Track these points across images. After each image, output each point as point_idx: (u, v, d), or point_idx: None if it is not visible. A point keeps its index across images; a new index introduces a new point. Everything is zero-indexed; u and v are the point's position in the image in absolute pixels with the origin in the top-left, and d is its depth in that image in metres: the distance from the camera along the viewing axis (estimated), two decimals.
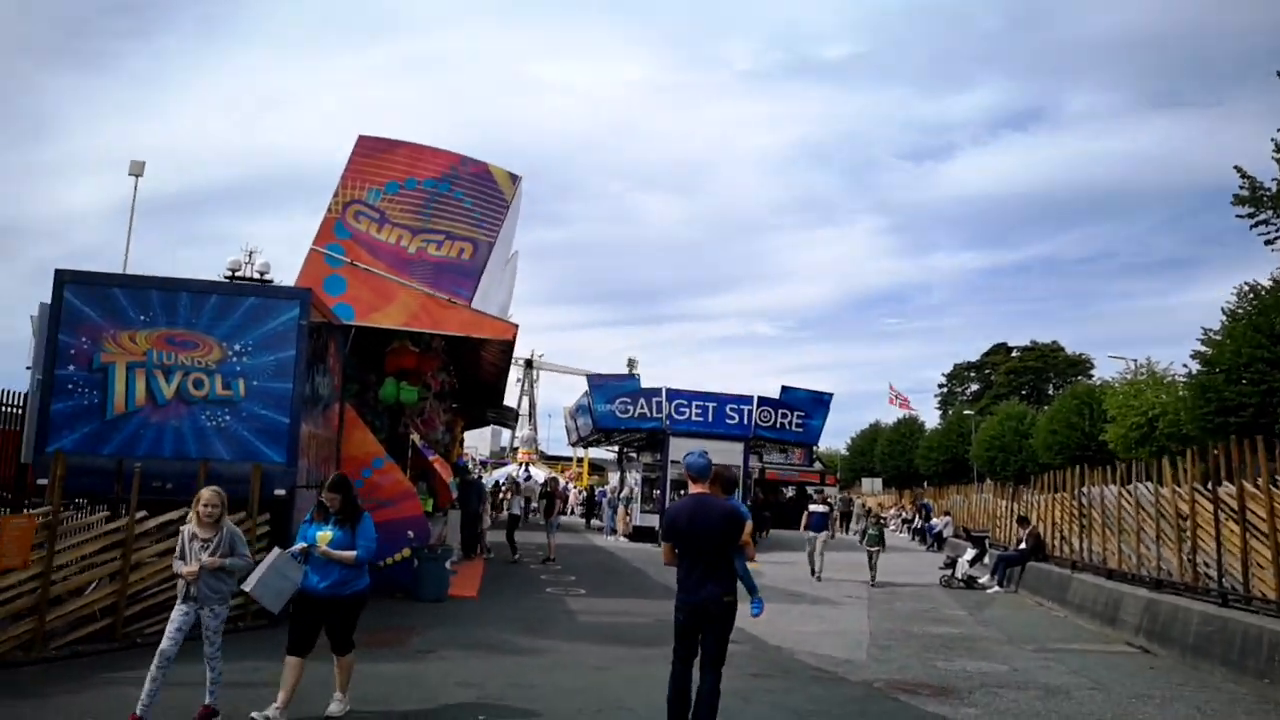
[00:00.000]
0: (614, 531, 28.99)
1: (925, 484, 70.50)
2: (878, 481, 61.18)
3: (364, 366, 15.46)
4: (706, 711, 5.68)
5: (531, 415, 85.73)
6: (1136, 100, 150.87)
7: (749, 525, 6.10)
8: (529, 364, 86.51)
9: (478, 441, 76.50)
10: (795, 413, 28.03)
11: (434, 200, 13.83)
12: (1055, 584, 15.48)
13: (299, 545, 6.52)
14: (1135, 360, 43.70)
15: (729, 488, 6.40)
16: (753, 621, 12.35)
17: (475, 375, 22.58)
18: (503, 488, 41.66)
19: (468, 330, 13.50)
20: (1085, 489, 15.44)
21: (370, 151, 13.72)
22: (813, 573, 18.00)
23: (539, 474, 51.30)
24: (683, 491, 6.74)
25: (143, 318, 10.16)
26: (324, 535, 6.53)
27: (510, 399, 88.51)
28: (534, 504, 40.50)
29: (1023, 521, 18.59)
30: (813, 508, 19.07)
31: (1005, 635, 12.11)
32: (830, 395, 28.72)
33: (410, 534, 13.11)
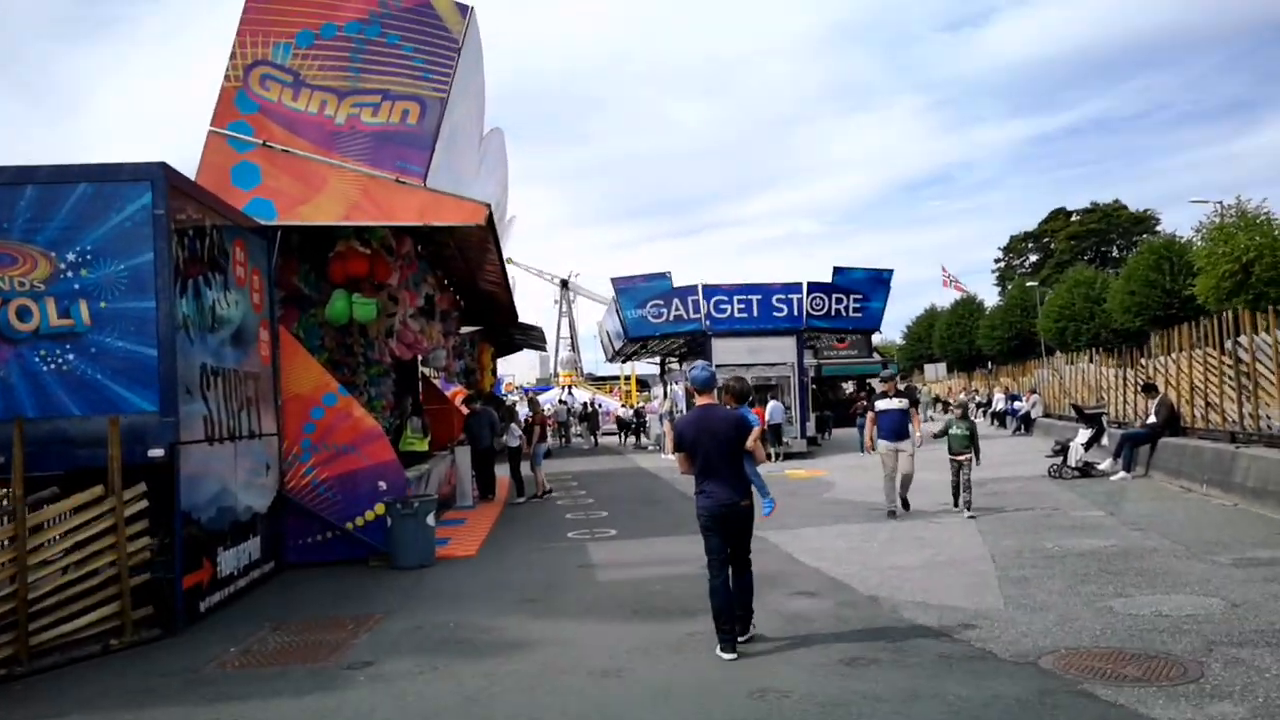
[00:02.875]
0: (663, 449, 26.16)
1: (990, 364, 66.84)
2: (941, 366, 57.59)
3: (327, 283, 12.48)
4: (744, 600, 6.11)
5: (572, 338, 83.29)
6: None
7: (755, 430, 6.31)
8: (564, 284, 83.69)
9: (524, 370, 74.47)
10: (851, 296, 24.62)
11: (362, 50, 10.54)
12: (1210, 463, 12.20)
13: None
14: (1221, 202, 39.14)
15: (741, 398, 7.04)
16: (832, 561, 9.31)
17: (474, 286, 19.57)
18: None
19: (426, 217, 10.36)
20: (1245, 338, 12.00)
21: None
22: (893, 513, 11.79)
23: (582, 395, 48.87)
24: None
25: None
26: None
27: (549, 322, 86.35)
28: (575, 428, 38.20)
29: (1148, 390, 15.21)
30: (883, 405, 12.04)
31: (1178, 542, 8.94)
32: (890, 272, 25.22)
33: (381, 485, 10.28)
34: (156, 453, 7.24)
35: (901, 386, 12.03)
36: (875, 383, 36.02)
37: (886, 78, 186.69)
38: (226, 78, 10.31)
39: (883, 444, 11.94)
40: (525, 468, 16.68)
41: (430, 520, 9.90)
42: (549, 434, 37.12)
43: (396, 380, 19.04)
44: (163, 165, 7.39)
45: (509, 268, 19.74)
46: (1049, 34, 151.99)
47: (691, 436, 6.12)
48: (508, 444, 16.69)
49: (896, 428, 11.89)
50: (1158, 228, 72.52)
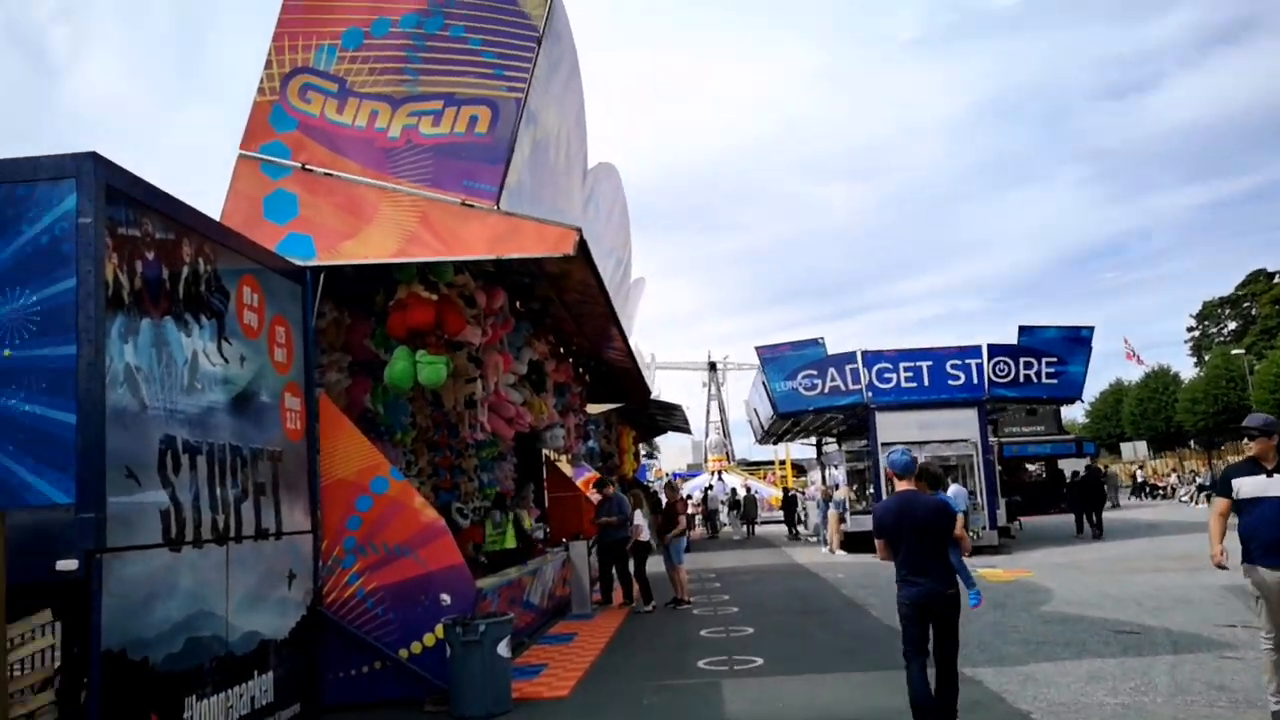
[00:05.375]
0: (826, 543, 22.62)
1: (1191, 443, 59.47)
2: (1140, 445, 50.99)
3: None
4: (945, 703, 5.63)
5: (722, 421, 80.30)
6: None
7: (960, 518, 6.16)
8: (712, 366, 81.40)
9: (674, 455, 72.22)
10: (1043, 359, 20.75)
11: (420, 48, 8.46)
12: None
13: None
14: None
15: (935, 483, 7.27)
16: None
17: (600, 358, 17.24)
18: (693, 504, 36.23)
19: (499, 248, 8.01)
20: None
21: None
22: None
23: (733, 481, 45.78)
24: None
25: None
26: None
27: (698, 407, 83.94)
28: (722, 517, 34.95)
29: None
30: (1250, 486, 5.80)
31: None
32: (1090, 330, 21.18)
33: (445, 598, 7.74)
34: (67, 565, 4.93)
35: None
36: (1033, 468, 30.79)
37: (1045, 150, 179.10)
38: (260, 90, 8.44)
39: (1265, 573, 5.66)
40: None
41: (503, 650, 7.23)
42: (694, 523, 34.12)
43: (518, 466, 16.85)
44: (93, 156, 5.28)
45: (644, 345, 17.42)
46: (1221, 96, 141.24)
47: (893, 524, 5.87)
48: (635, 537, 13.91)
49: None
50: None
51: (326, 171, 8.24)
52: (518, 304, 11.91)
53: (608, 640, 10.44)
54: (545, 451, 18.58)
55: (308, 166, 8.25)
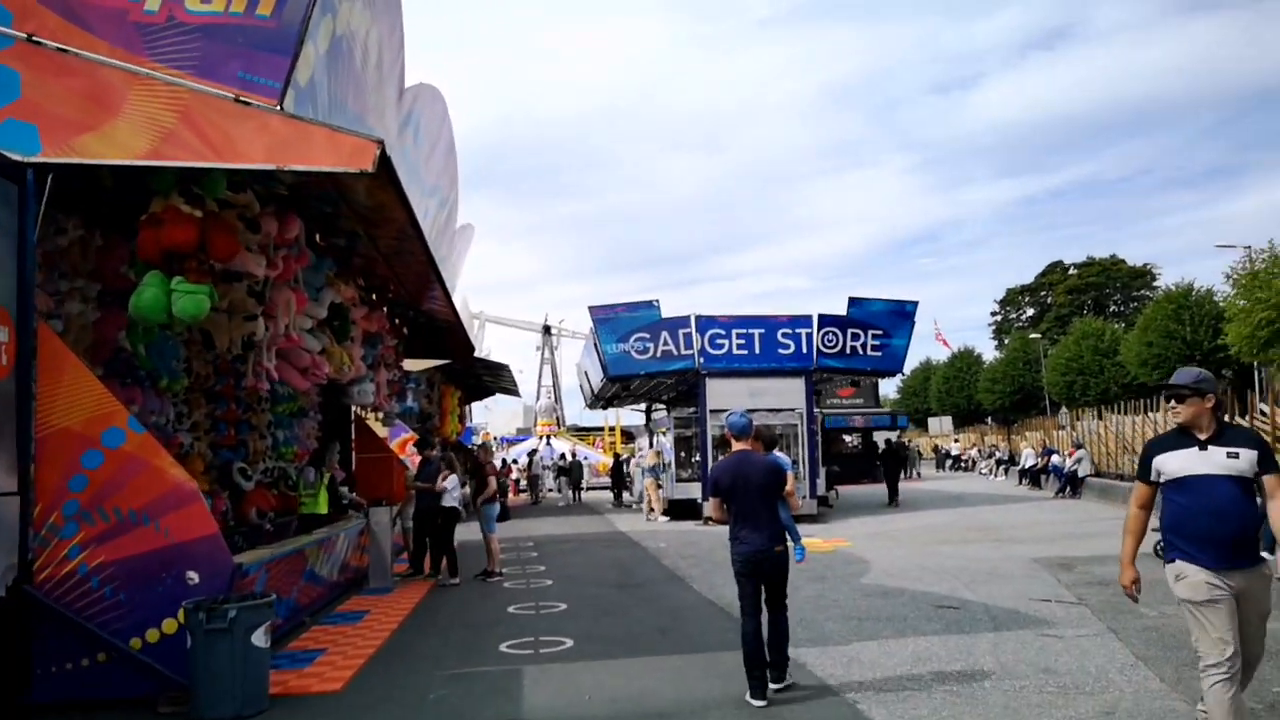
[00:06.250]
0: (652, 510, 22.04)
1: (989, 420, 63.69)
2: (947, 420, 53.99)
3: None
4: (778, 645, 5.97)
5: (554, 386, 79.26)
6: (1169, 6, 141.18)
7: (791, 477, 6.38)
8: (547, 330, 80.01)
9: (505, 419, 70.62)
10: (870, 331, 20.96)
11: None
12: None
13: None
14: (1249, 247, 36.06)
15: (769, 444, 7.50)
16: None
17: (421, 309, 15.86)
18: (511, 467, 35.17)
19: (280, 157, 6.66)
20: None
21: None
22: None
23: (561, 446, 44.99)
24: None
25: None
26: None
27: (530, 371, 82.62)
28: (548, 483, 34.14)
29: None
30: (1177, 463, 4.31)
31: None
32: (914, 305, 21.59)
33: (191, 576, 6.42)
34: None
35: (1181, 418, 4.35)
36: (850, 440, 31.81)
37: (877, 136, 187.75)
38: None
39: (1192, 572, 4.23)
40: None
41: (259, 639, 6.02)
42: (517, 487, 33.11)
43: (323, 423, 15.29)
44: None
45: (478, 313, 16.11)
46: (1033, 99, 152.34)
47: (729, 483, 6.05)
48: (443, 503, 12.75)
49: (1232, 525, 4.18)
50: (1156, 283, 71.00)
51: (60, 47, 6.60)
52: (318, 238, 10.45)
53: (402, 619, 9.33)
54: (355, 409, 17.07)
55: (36, 38, 6.58)
